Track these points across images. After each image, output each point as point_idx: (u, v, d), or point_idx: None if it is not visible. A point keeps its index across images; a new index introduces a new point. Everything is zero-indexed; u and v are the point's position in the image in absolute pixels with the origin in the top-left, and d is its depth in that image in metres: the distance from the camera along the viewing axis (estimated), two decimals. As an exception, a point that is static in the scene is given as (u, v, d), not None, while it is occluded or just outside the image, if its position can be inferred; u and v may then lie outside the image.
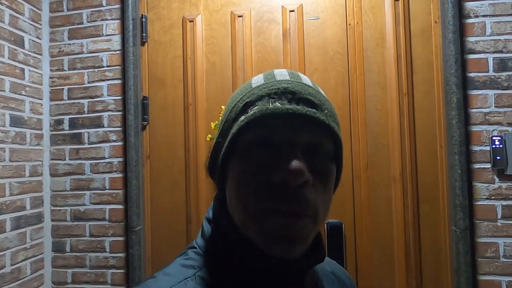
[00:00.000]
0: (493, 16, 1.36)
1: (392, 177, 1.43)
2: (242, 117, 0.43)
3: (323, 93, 0.47)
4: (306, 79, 0.47)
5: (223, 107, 1.48)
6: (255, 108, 0.42)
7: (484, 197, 1.34)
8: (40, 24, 1.65)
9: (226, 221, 0.45)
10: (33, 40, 1.60)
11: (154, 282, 0.43)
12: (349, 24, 1.48)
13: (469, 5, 1.38)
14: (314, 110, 0.42)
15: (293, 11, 1.52)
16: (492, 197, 1.34)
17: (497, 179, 1.34)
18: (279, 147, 0.41)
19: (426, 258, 1.41)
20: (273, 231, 0.39)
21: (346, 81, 1.48)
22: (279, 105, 0.41)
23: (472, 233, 1.34)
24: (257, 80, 0.47)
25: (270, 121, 0.41)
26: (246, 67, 1.54)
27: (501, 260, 1.32)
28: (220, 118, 1.41)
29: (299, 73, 0.48)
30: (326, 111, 0.43)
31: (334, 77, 1.48)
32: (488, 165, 1.34)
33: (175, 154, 1.59)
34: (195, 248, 0.48)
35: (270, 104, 0.42)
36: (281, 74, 0.46)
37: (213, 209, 0.49)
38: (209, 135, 1.51)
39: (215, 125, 1.48)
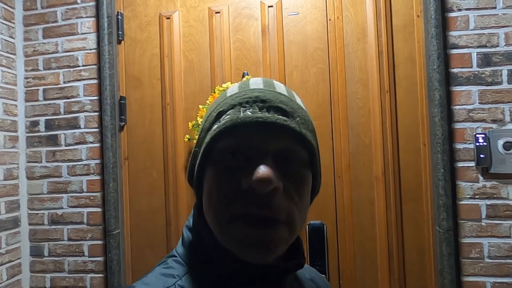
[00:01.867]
0: (476, 9, 1.32)
1: (374, 177, 1.39)
2: (215, 126, 0.44)
3: (297, 101, 0.47)
4: (280, 87, 0.47)
5: (201, 106, 1.43)
6: (226, 117, 0.43)
7: (468, 196, 1.30)
8: (13, 23, 1.60)
9: (205, 229, 0.45)
10: (6, 40, 1.55)
11: None
12: (330, 19, 1.44)
13: (452, -2, 1.33)
14: (284, 118, 0.42)
15: (271, 6, 1.47)
16: (476, 197, 1.30)
17: (481, 178, 1.30)
18: (249, 154, 0.41)
19: (410, 259, 1.37)
20: (242, 237, 0.40)
21: (327, 78, 1.43)
22: (249, 113, 0.42)
23: (456, 233, 1.30)
24: (232, 89, 0.48)
25: (241, 130, 0.42)
26: (225, 65, 1.50)
27: (485, 260, 1.28)
28: (198, 118, 1.36)
29: (275, 82, 0.48)
30: (298, 119, 0.43)
31: (315, 74, 1.44)
32: (472, 164, 1.30)
33: (154, 155, 1.55)
34: (175, 256, 0.48)
35: (241, 113, 0.42)
36: (255, 83, 0.47)
37: (193, 217, 0.50)
38: (187, 136, 1.47)
39: (193, 125, 1.44)
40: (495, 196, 1.29)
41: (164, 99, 1.54)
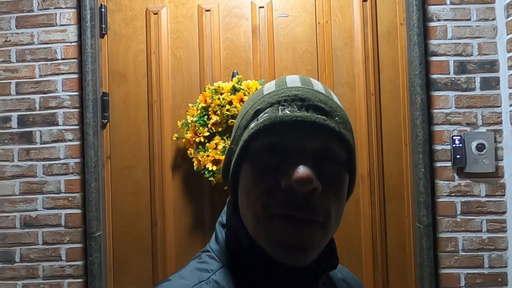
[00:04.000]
0: (454, 20, 1.42)
1: (360, 176, 1.45)
2: (252, 124, 0.44)
3: (335, 99, 0.47)
4: (318, 85, 0.47)
5: (190, 105, 1.41)
6: (265, 115, 0.43)
7: (445, 194, 1.40)
8: (-18, 10, 1.48)
9: (239, 226, 0.46)
10: (-27, 28, 1.43)
11: (169, 285, 0.44)
12: (319, 23, 1.48)
13: (432, 8, 1.42)
14: (323, 117, 0.42)
15: (262, 7, 1.49)
16: (453, 194, 1.40)
17: (456, 177, 1.40)
18: (288, 153, 0.41)
19: (392, 254, 1.44)
20: (280, 239, 0.40)
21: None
22: (288, 112, 0.42)
23: (434, 229, 1.40)
24: (269, 87, 0.48)
25: (280, 128, 0.42)
26: (214, 63, 1.49)
27: (460, 253, 1.39)
28: (188, 117, 1.34)
29: (311, 79, 0.48)
30: (336, 118, 0.43)
31: (304, 76, 1.47)
32: (449, 164, 1.40)
33: (139, 154, 1.50)
34: (209, 251, 0.49)
35: (280, 112, 0.42)
36: (293, 81, 0.47)
37: (227, 214, 0.50)
38: (176, 134, 1.44)
39: (182, 124, 1.41)
40: (468, 193, 1.40)
41: (150, 96, 1.50)
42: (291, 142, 0.41)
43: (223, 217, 0.51)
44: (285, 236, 0.40)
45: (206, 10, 1.50)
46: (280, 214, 0.40)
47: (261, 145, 0.43)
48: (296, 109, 0.42)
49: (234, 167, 0.46)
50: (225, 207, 0.51)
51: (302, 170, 0.39)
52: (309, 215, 0.40)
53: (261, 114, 0.43)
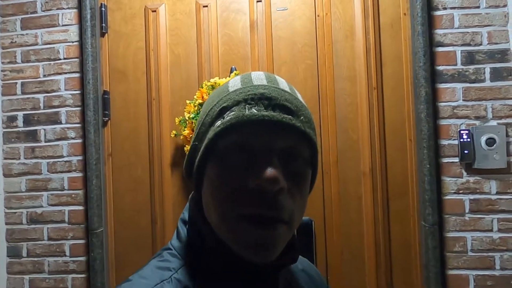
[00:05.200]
0: (461, 8, 1.35)
1: (362, 172, 1.41)
2: (218, 122, 0.43)
3: (300, 98, 0.48)
4: (283, 83, 0.47)
5: (188, 101, 1.41)
6: (231, 113, 0.43)
7: (452, 191, 1.33)
8: (-11, 13, 1.53)
9: (203, 223, 0.46)
10: (-19, 30, 1.48)
11: (129, 286, 0.43)
12: (318, 16, 1.44)
13: (437, -4, 1.35)
14: (290, 116, 0.43)
15: (260, 1, 1.46)
16: (460, 192, 1.33)
17: (465, 173, 1.33)
18: (255, 153, 0.41)
19: (396, 254, 1.39)
20: (248, 239, 0.41)
21: (315, 75, 1.43)
22: (255, 111, 0.42)
23: (441, 228, 1.33)
24: (234, 83, 0.47)
25: (247, 127, 0.42)
26: (213, 60, 1.48)
27: (469, 254, 1.32)
28: (185, 113, 1.33)
29: (276, 77, 0.48)
30: (302, 117, 0.44)
31: (303, 70, 1.44)
32: (456, 159, 1.33)
33: (139, 151, 1.51)
34: (171, 249, 0.48)
35: (247, 110, 0.42)
36: (258, 78, 0.47)
37: (189, 211, 0.50)
38: (174, 131, 1.44)
39: (180, 121, 1.41)
40: (478, 191, 1.32)
41: (149, 93, 1.51)
42: (258, 141, 0.42)
43: (185, 214, 0.50)
44: (253, 237, 0.40)
45: (204, 6, 1.49)
46: (249, 214, 0.40)
47: (228, 144, 0.42)
48: (263, 108, 0.42)
49: (198, 165, 0.46)
50: (187, 204, 0.51)
51: (270, 170, 0.39)
52: (276, 214, 0.40)
53: (227, 112, 0.43)
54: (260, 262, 0.42)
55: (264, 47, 1.45)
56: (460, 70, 1.34)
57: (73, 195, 1.50)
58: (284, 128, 0.42)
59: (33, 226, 1.52)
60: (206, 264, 0.45)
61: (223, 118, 0.43)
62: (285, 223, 0.42)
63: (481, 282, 1.30)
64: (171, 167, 1.49)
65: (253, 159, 0.41)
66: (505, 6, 1.32)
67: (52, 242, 1.51)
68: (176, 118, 1.42)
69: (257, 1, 1.46)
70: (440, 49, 1.35)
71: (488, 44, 1.33)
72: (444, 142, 1.34)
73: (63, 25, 1.53)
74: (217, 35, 1.48)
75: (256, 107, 0.42)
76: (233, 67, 1.45)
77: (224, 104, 0.44)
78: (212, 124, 0.45)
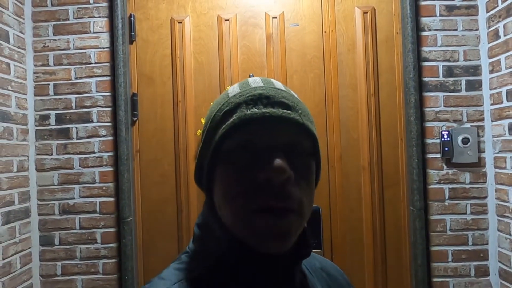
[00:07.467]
0: (443, 30, 1.62)
1: (361, 166, 1.66)
2: (223, 126, 0.45)
3: (295, 95, 0.51)
4: (278, 84, 0.50)
5: (212, 103, 1.59)
6: (234, 115, 0.45)
7: (435, 181, 1.61)
8: (23, 19, 1.64)
9: (217, 225, 0.47)
10: (17, 35, 1.59)
11: (150, 286, 0.46)
12: (325, 32, 1.67)
13: (424, 20, 1.62)
14: (288, 111, 0.45)
15: (275, 17, 1.67)
16: (441, 182, 1.61)
17: (445, 167, 1.61)
18: (261, 149, 0.44)
19: (389, 234, 1.65)
20: (263, 230, 0.42)
21: (322, 82, 1.67)
22: (256, 110, 0.45)
23: (426, 212, 1.61)
24: (233, 89, 0.50)
25: (250, 126, 0.44)
26: (233, 67, 1.67)
27: (448, 233, 1.60)
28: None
29: (272, 79, 0.51)
30: (300, 111, 0.47)
31: (312, 79, 1.67)
32: (438, 155, 1.61)
33: (165, 148, 1.68)
34: (188, 252, 0.51)
35: (248, 110, 0.45)
36: (255, 81, 0.50)
37: (203, 215, 0.51)
38: (199, 130, 1.62)
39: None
40: (455, 181, 1.61)
41: (175, 96, 1.68)
42: (262, 138, 0.44)
43: (200, 219, 0.52)
44: (268, 228, 0.42)
45: (225, 20, 1.68)
46: (261, 209, 0.42)
47: (233, 145, 0.45)
48: (263, 106, 0.45)
49: (208, 170, 0.48)
50: (202, 209, 0.53)
51: (277, 162, 0.42)
52: (285, 203, 0.42)
53: (230, 115, 0.46)
54: (277, 252, 0.43)
55: (278, 58, 1.67)
56: (442, 81, 1.62)
57: (104, 188, 1.65)
58: (285, 122, 0.45)
59: (65, 216, 1.65)
60: (221, 263, 0.46)
61: (227, 121, 0.45)
62: (295, 212, 0.43)
63: (457, 256, 1.59)
64: (195, 161, 1.67)
65: (259, 155, 0.43)
66: (477, 30, 1.62)
67: (83, 231, 1.65)
68: (202, 119, 1.61)
69: (273, 18, 1.67)
70: (426, 63, 1.62)
71: (464, 60, 1.62)
72: (429, 141, 1.61)
73: (94, 32, 1.66)
74: (236, 46, 1.68)
75: (256, 106, 0.45)
76: (251, 74, 1.65)
77: (226, 109, 0.46)
78: (217, 129, 0.47)
